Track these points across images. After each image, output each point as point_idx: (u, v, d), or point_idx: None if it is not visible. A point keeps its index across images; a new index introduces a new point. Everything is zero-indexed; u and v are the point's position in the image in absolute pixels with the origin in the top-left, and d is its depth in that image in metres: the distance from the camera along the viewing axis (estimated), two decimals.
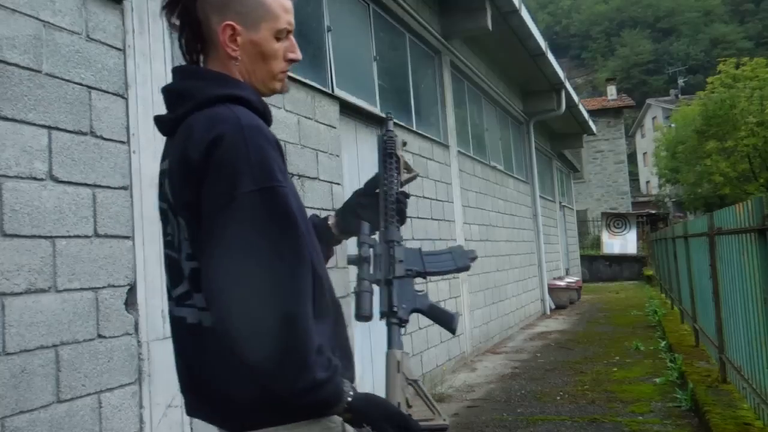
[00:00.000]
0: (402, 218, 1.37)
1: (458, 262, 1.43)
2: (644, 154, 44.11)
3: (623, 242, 21.42)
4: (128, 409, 2.61)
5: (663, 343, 7.38)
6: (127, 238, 2.70)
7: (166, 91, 1.23)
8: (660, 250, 12.73)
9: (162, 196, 1.22)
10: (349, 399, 1.07)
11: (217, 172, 1.05)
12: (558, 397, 5.30)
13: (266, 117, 1.21)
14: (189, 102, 1.15)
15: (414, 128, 6.33)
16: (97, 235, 2.56)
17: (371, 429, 1.08)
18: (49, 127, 2.40)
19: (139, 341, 2.69)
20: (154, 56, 2.95)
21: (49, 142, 2.39)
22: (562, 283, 12.74)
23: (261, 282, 1.01)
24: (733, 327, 4.44)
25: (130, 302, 2.68)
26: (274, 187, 1.05)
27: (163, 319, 2.82)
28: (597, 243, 23.37)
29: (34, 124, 2.34)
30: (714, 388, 4.64)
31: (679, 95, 39.88)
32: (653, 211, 26.94)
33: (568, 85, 11.62)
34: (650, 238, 18.82)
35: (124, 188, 2.71)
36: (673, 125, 27.57)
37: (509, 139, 10.99)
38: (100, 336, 2.52)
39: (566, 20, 71.54)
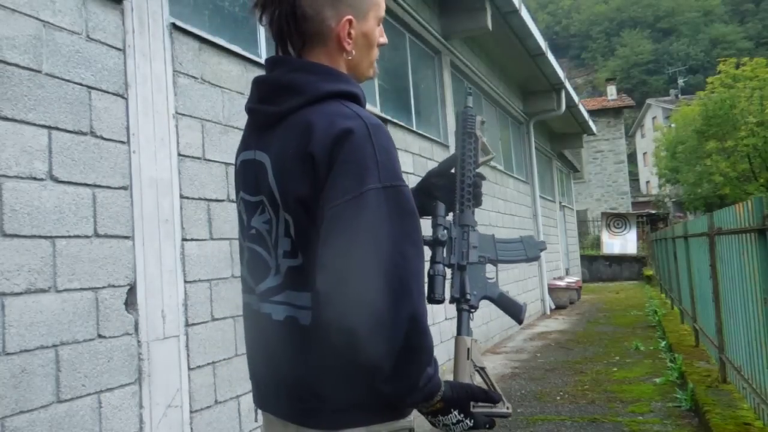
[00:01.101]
0: (477, 201, 1.36)
1: (529, 252, 1.43)
2: (644, 154, 44.12)
3: (623, 242, 21.42)
4: (128, 409, 2.61)
5: (663, 343, 7.38)
6: (127, 238, 2.70)
7: (263, 82, 1.20)
8: (660, 250, 12.73)
9: (251, 189, 1.19)
10: (443, 388, 1.08)
11: (343, 167, 1.02)
12: (558, 397, 5.30)
13: None
14: (299, 96, 1.12)
15: (414, 128, 6.32)
16: (97, 235, 2.56)
17: (458, 413, 1.08)
18: (49, 127, 2.40)
19: (139, 341, 2.69)
20: (154, 56, 2.95)
21: (49, 142, 2.39)
22: (562, 283, 12.73)
23: (387, 279, 0.98)
24: (733, 327, 4.44)
25: (130, 302, 2.68)
26: (398, 186, 1.04)
27: (163, 319, 2.83)
28: (597, 243, 23.37)
29: (34, 124, 2.34)
30: (714, 388, 4.64)
31: (679, 95, 39.97)
32: (653, 211, 26.92)
33: (568, 85, 11.62)
34: (650, 238, 18.82)
35: (124, 188, 2.71)
36: (673, 125, 27.58)
37: (509, 139, 10.99)
38: (100, 336, 2.52)
39: (566, 20, 71.60)
